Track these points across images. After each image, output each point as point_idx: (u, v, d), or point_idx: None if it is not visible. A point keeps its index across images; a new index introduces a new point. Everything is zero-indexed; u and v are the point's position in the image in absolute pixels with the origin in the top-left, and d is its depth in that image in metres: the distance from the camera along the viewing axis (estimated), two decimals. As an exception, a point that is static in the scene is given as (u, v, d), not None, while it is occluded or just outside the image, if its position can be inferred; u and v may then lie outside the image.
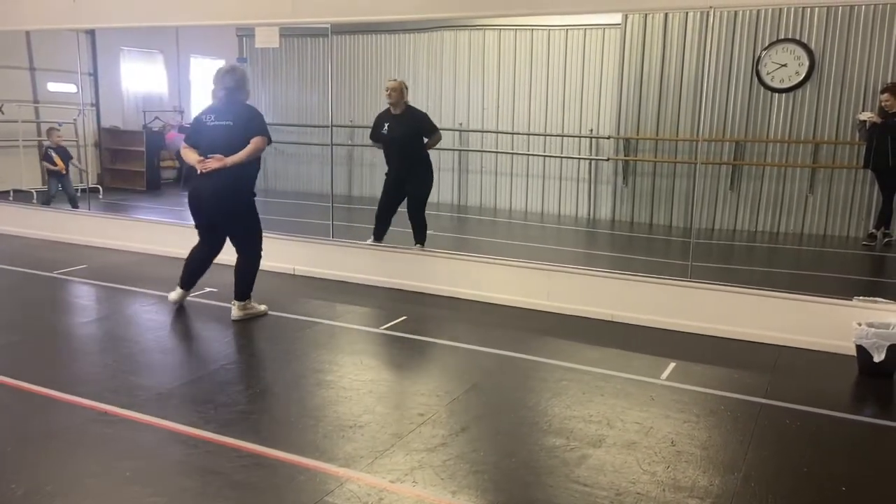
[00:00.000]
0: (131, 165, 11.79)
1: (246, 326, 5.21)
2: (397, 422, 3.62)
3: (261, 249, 5.33)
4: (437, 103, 10.53)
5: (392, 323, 5.31)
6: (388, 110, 6.67)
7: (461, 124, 10.48)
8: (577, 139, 9.81)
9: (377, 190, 7.05)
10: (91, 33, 10.81)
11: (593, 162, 9.71)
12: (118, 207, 9.90)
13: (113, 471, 3.09)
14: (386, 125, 6.63)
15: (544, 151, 10.04)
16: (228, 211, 5.16)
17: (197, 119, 5.30)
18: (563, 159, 9.89)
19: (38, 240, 7.97)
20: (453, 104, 10.48)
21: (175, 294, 5.45)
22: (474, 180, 10.54)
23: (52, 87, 10.81)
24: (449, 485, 3.02)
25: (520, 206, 10.27)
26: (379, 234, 6.77)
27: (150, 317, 5.38)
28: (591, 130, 9.67)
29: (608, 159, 9.57)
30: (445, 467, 3.16)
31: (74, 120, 10.39)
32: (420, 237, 6.73)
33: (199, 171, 5.05)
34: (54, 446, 3.28)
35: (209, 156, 5.02)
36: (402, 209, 6.81)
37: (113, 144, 11.95)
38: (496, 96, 10.22)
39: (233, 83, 5.18)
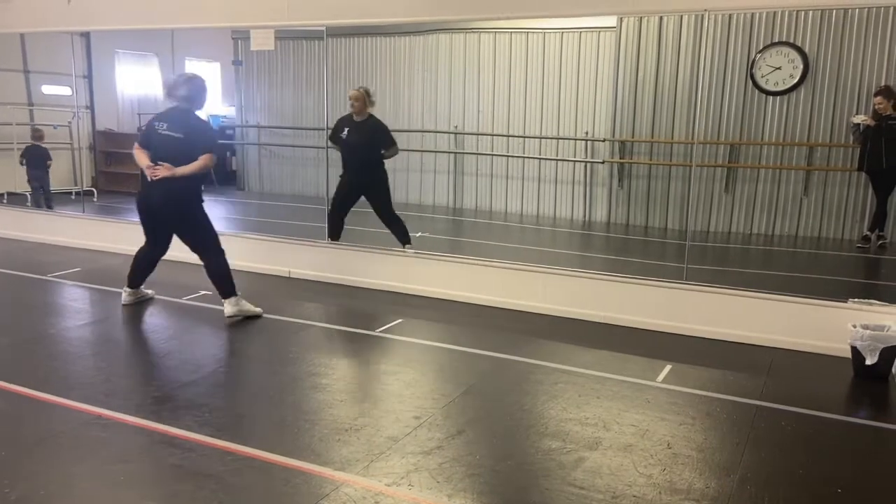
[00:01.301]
0: (126, 168, 11.73)
1: (241, 330, 5.20)
2: (393, 425, 3.61)
3: (221, 247, 5.41)
4: (433, 106, 10.55)
5: (387, 326, 5.31)
6: (350, 115, 6.70)
7: (456, 127, 10.48)
8: (572, 142, 9.83)
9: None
10: (86, 35, 10.76)
11: (588, 164, 9.72)
12: (113, 210, 9.86)
13: (107, 474, 3.07)
14: (346, 129, 6.68)
15: (540, 154, 10.05)
16: (181, 220, 5.32)
17: (150, 124, 5.40)
18: (559, 162, 9.91)
19: (33, 242, 7.94)
20: (448, 107, 10.49)
21: (126, 295, 5.57)
22: (469, 183, 10.54)
23: (47, 89, 10.77)
24: (445, 488, 3.01)
25: (515, 208, 10.28)
26: (334, 234, 6.77)
27: (144, 320, 5.36)
28: (587, 133, 9.68)
29: (603, 162, 9.58)
30: (441, 470, 3.16)
31: (69, 123, 10.36)
32: (403, 238, 6.73)
33: (149, 178, 5.19)
34: (48, 450, 3.27)
35: (159, 163, 5.14)
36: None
37: (108, 147, 11.93)
38: (491, 99, 10.23)
39: (188, 93, 5.24)
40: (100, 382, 4.12)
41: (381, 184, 6.75)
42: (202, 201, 5.38)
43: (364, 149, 6.64)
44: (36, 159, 9.47)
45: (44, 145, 9.58)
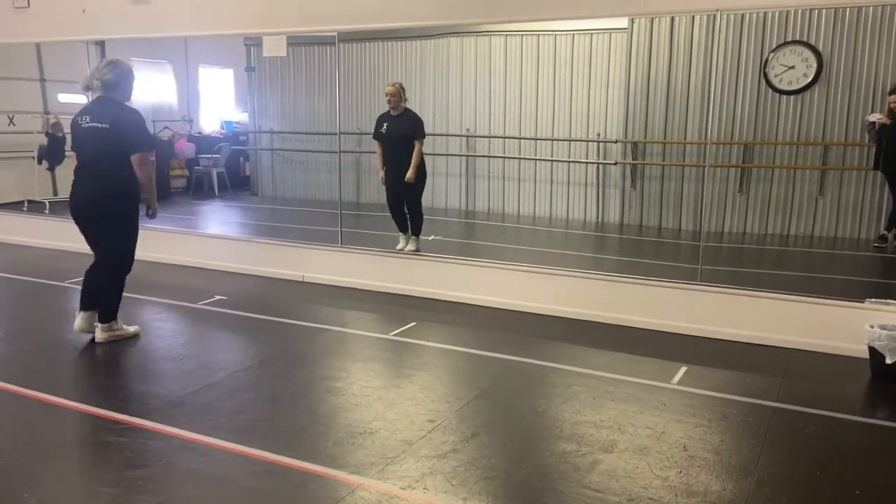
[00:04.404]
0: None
1: (255, 334, 5.23)
2: (407, 428, 3.62)
3: (121, 268, 4.86)
4: (445, 109, 10.56)
5: (401, 329, 5.31)
6: (388, 111, 6.99)
7: (469, 130, 10.49)
8: (584, 143, 9.81)
9: (385, 197, 7.12)
10: (101, 44, 10.88)
11: (601, 166, 9.69)
12: (128, 216, 9.93)
13: (124, 479, 3.10)
14: (385, 125, 6.97)
15: (552, 156, 10.03)
16: (101, 214, 4.74)
17: (73, 122, 4.77)
18: (571, 163, 9.89)
19: (50, 249, 8.01)
20: (460, 110, 10.50)
21: (78, 320, 4.91)
22: (482, 185, 10.54)
23: (63, 97, 10.88)
24: (460, 491, 3.02)
25: (528, 210, 10.26)
26: (402, 228, 7.04)
27: (160, 325, 5.40)
28: (599, 134, 9.66)
29: (616, 163, 9.55)
30: (456, 474, 3.16)
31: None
32: (416, 229, 6.99)
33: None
34: (66, 455, 3.30)
35: (150, 216, 4.87)
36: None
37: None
38: (503, 102, 10.23)
39: (111, 77, 4.66)
40: (117, 388, 4.16)
41: (419, 178, 6.96)
42: (136, 211, 4.79)
43: (403, 141, 6.88)
44: (55, 153, 9.60)
45: (60, 135, 9.72)
